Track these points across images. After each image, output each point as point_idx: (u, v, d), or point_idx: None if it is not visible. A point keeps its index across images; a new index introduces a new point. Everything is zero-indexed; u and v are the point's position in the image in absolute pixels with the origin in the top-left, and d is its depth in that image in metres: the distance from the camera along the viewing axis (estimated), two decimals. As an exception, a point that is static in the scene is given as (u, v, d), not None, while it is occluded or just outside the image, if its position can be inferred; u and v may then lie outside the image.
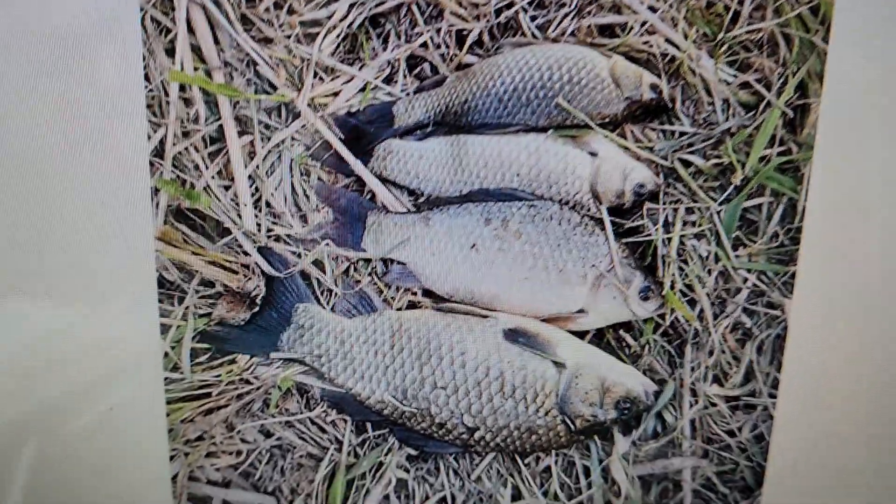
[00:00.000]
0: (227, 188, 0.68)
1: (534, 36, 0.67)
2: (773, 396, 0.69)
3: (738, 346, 0.70)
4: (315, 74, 0.67)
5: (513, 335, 0.67)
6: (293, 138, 0.68)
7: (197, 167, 0.67)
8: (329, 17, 0.66)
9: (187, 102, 0.66)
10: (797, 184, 0.66)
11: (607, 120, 0.67)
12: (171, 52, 0.65)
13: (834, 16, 0.63)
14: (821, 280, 0.68)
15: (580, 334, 0.70)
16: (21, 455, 0.68)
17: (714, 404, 0.70)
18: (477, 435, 0.67)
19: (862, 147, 0.65)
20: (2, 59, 0.60)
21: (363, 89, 0.68)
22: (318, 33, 0.66)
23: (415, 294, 0.70)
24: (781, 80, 0.66)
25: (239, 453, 0.71)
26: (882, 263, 0.66)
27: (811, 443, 0.71)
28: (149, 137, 0.65)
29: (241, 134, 0.67)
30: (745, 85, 0.67)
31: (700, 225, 0.68)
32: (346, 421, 0.71)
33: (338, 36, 0.66)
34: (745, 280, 0.69)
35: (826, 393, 0.70)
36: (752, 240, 0.68)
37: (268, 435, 0.71)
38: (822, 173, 0.66)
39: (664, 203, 0.68)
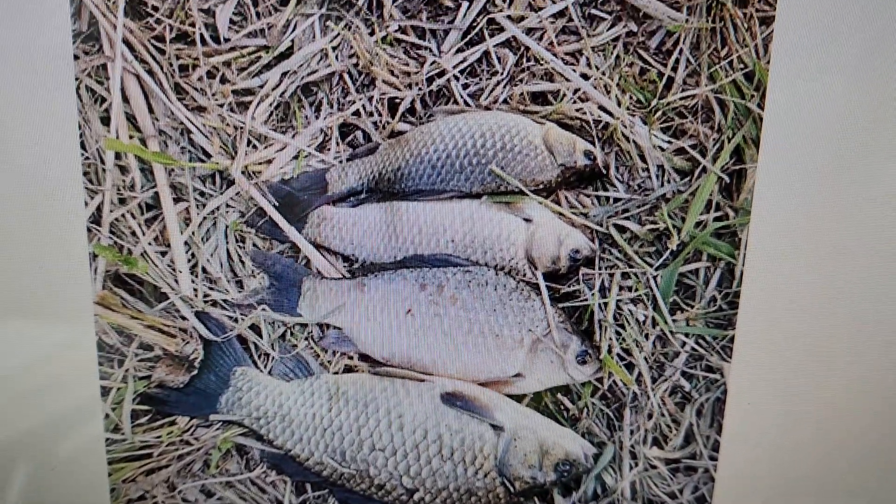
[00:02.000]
0: (163, 254, 0.72)
1: (466, 104, 0.70)
2: (713, 459, 0.72)
3: (678, 410, 0.73)
4: (248, 142, 0.71)
5: (450, 399, 0.71)
6: (228, 205, 0.72)
7: (134, 233, 0.71)
8: (261, 86, 0.70)
9: (123, 170, 0.70)
10: (734, 248, 0.69)
11: (541, 186, 0.70)
12: (106, 121, 0.69)
13: (769, 81, 0.66)
14: (760, 343, 0.71)
15: (518, 398, 0.73)
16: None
17: (654, 466, 0.74)
18: (416, 497, 0.71)
19: (799, 211, 0.68)
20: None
21: (296, 157, 0.72)
22: (251, 102, 0.70)
23: (351, 358, 0.74)
24: (717, 146, 0.69)
25: (179, 513, 0.75)
26: (820, 324, 0.70)
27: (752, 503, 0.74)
28: (86, 204, 0.69)
29: (176, 201, 0.71)
30: (680, 151, 0.70)
31: (636, 290, 0.72)
32: (285, 482, 0.75)
33: (270, 104, 0.70)
34: (684, 344, 0.72)
35: (767, 455, 0.73)
36: (689, 304, 0.72)
37: (209, 495, 0.75)
38: (759, 238, 0.69)
39: (600, 268, 0.72)
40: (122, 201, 0.69)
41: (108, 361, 0.71)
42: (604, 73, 0.67)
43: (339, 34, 0.68)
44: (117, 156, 0.69)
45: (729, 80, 0.66)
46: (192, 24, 0.67)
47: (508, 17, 0.67)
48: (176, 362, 0.72)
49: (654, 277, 0.70)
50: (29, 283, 0.67)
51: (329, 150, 0.70)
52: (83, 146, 0.67)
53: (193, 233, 0.70)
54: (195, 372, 0.72)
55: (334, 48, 0.68)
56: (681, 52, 0.66)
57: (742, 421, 0.71)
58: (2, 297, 0.67)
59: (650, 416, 0.71)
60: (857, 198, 0.66)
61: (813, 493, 0.72)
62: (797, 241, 0.67)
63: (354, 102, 0.69)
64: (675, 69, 0.67)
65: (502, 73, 0.68)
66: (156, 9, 0.66)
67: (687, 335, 0.70)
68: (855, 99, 0.65)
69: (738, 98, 0.66)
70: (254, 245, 0.72)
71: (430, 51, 0.68)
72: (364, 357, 0.73)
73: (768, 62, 0.64)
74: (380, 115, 0.69)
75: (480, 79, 0.69)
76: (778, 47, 0.64)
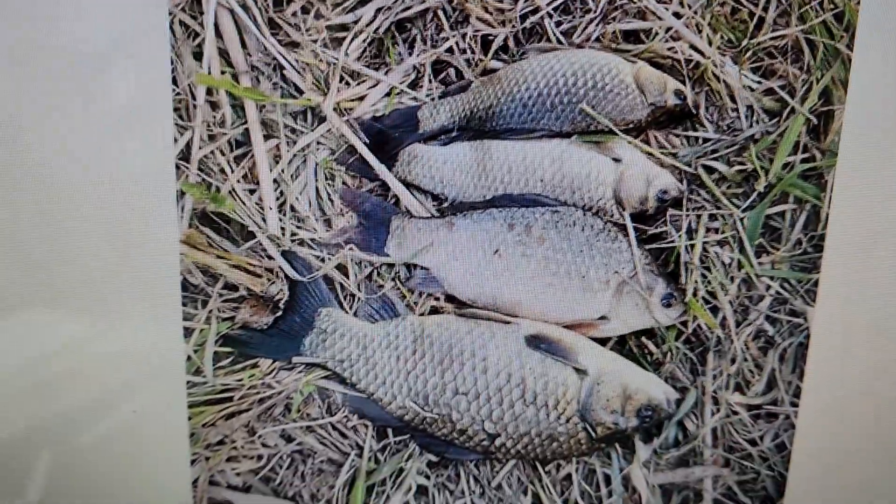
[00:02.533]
0: (252, 192, 0.73)
1: (559, 41, 0.72)
2: (795, 405, 0.73)
3: (761, 355, 0.74)
4: (341, 79, 0.72)
5: (534, 341, 0.72)
6: (318, 142, 0.73)
7: (223, 171, 0.72)
8: (355, 22, 0.71)
9: (214, 106, 0.71)
10: (821, 191, 0.71)
11: (631, 126, 0.71)
12: (198, 56, 0.70)
13: (858, 22, 0.68)
14: (844, 288, 0.72)
15: (602, 341, 0.73)
16: (43, 458, 0.73)
17: (736, 413, 0.74)
18: (498, 442, 0.72)
19: (887, 154, 0.69)
20: (24, 72, 0.65)
21: (388, 94, 0.72)
22: (344, 38, 0.71)
23: (437, 299, 0.75)
24: (805, 87, 0.70)
25: (259, 458, 0.76)
26: (906, 273, 0.71)
27: (833, 453, 0.75)
28: (175, 141, 0.70)
29: (266, 138, 0.72)
30: (769, 91, 0.71)
31: (723, 232, 0.73)
32: (367, 426, 0.75)
33: (364, 41, 0.71)
34: (768, 287, 0.73)
35: (848, 402, 0.74)
36: (775, 247, 0.73)
37: (289, 440, 0.76)
38: (846, 181, 0.71)
39: (687, 210, 0.73)
40: (212, 138, 0.70)
41: (192, 302, 0.71)
42: (696, 13, 0.69)
43: (435, -30, 0.69)
44: (208, 91, 0.69)
45: (819, 20, 0.68)
46: (289, -41, 0.68)
47: (604, -46, 0.69)
48: (261, 303, 0.72)
49: (741, 219, 0.71)
50: (116, 220, 0.67)
51: (421, 87, 0.72)
52: (175, 81, 0.68)
53: (283, 170, 0.71)
54: (279, 313, 0.73)
55: (429, -16, 0.69)
56: (772, -9, 0.68)
57: (825, 367, 0.72)
58: (88, 238, 0.68)
59: (733, 361, 0.72)
60: None
61: (894, 443, 0.73)
62: (884, 184, 0.69)
63: (448, 39, 0.70)
64: (765, 9, 0.68)
65: (595, 11, 0.69)
66: (252, -57, 0.68)
67: (772, 278, 0.72)
68: None
69: (828, 39, 0.68)
70: (343, 183, 0.73)
71: (525, -12, 0.70)
72: (451, 298, 0.73)
73: (858, 3, 0.66)
74: (473, 52, 0.71)
75: (573, 16, 0.70)
76: (869, -13, 0.66)
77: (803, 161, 0.70)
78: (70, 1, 0.64)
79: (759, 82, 0.70)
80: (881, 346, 0.71)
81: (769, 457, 0.73)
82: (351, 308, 0.73)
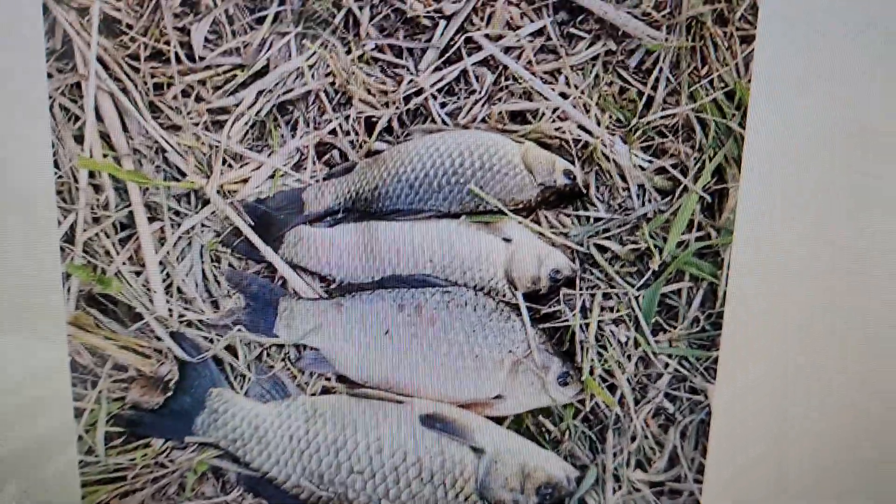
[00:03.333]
0: (138, 274, 0.74)
1: (444, 122, 0.73)
2: (698, 482, 0.75)
3: (661, 432, 0.75)
4: (224, 161, 0.73)
5: (430, 421, 0.73)
6: (203, 224, 0.74)
7: (108, 253, 0.73)
8: (237, 105, 0.72)
9: (97, 189, 0.73)
10: (717, 269, 0.72)
11: (521, 206, 0.72)
12: (80, 139, 0.72)
13: (750, 100, 0.68)
14: (743, 365, 0.73)
15: (499, 420, 0.75)
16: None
17: (638, 490, 0.75)
18: None
19: (782, 229, 0.70)
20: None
21: (272, 176, 0.74)
22: (226, 120, 0.72)
23: (328, 379, 0.76)
24: (698, 165, 0.71)
25: (154, 537, 0.78)
26: (806, 344, 0.72)
27: (739, 528, 0.76)
28: (59, 223, 0.72)
29: (151, 220, 0.73)
30: (660, 170, 0.72)
31: (618, 310, 0.74)
32: (262, 505, 0.77)
33: (246, 123, 0.72)
34: (667, 365, 0.74)
35: (753, 478, 0.75)
36: (672, 325, 0.74)
37: (184, 518, 0.78)
38: (742, 258, 0.72)
39: (581, 289, 0.74)
40: (96, 220, 0.71)
41: (82, 382, 0.73)
42: (583, 92, 0.69)
43: (315, 52, 0.70)
44: (91, 174, 0.71)
45: (710, 98, 0.68)
46: (167, 43, 0.69)
47: (486, 35, 0.70)
48: (150, 383, 0.74)
49: (636, 298, 0.72)
50: (2, 302, 0.69)
51: (305, 169, 0.73)
52: (56, 165, 0.69)
53: (168, 252, 0.72)
54: (170, 393, 0.74)
55: (310, 66, 0.70)
56: (661, 70, 0.69)
57: (727, 443, 0.73)
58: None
59: (633, 439, 0.73)
60: (840, 216, 0.68)
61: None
62: (780, 261, 0.69)
63: (331, 121, 0.71)
64: (654, 88, 0.69)
65: (480, 92, 0.70)
66: (130, 27, 0.69)
67: (670, 356, 0.72)
68: (836, 116, 0.67)
69: (719, 117, 0.68)
70: (229, 265, 0.74)
71: (408, 69, 0.71)
72: (342, 378, 0.75)
73: (749, 81, 0.67)
74: (357, 133, 0.72)
75: (458, 97, 0.71)
76: (759, 66, 0.66)
77: (698, 239, 0.71)
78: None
79: (650, 161, 0.70)
80: (784, 420, 0.72)
81: None
82: (241, 388, 0.75)
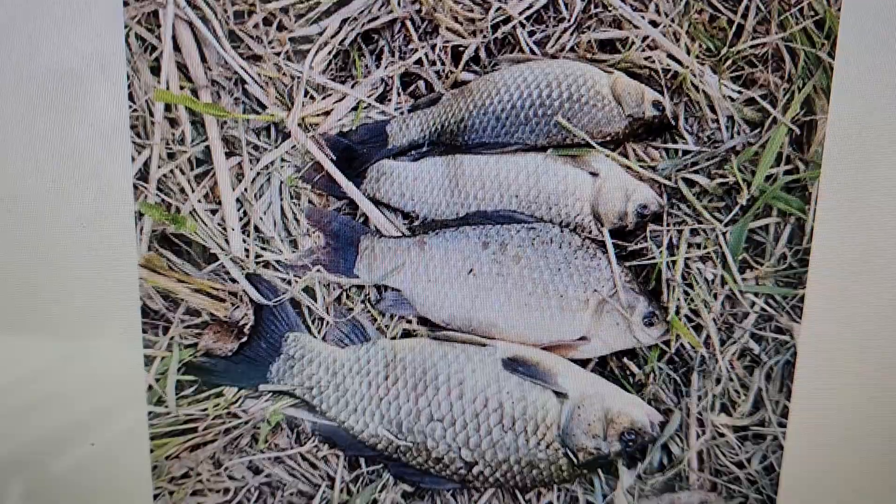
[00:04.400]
0: (213, 212, 0.74)
1: (532, 52, 0.74)
2: (782, 426, 0.75)
3: (747, 374, 0.76)
4: (306, 93, 0.73)
5: (512, 364, 0.73)
6: (283, 160, 0.75)
7: (183, 190, 0.74)
8: (320, 34, 0.72)
9: (173, 123, 0.73)
10: (805, 203, 0.73)
11: (609, 138, 0.73)
12: (156, 71, 0.72)
13: (839, 29, 0.71)
14: (830, 304, 0.74)
15: (582, 363, 0.75)
16: (6, 494, 0.74)
17: (722, 434, 0.76)
18: (475, 470, 0.73)
19: (871, 164, 0.72)
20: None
21: (355, 108, 0.74)
22: (308, 50, 0.73)
23: (410, 322, 0.76)
24: (787, 96, 0.73)
25: (226, 491, 0.77)
26: (892, 285, 0.74)
27: (823, 473, 0.77)
28: (133, 159, 0.72)
29: (228, 155, 0.74)
30: (750, 101, 0.74)
31: (705, 247, 0.75)
32: (338, 456, 0.76)
33: (329, 53, 0.73)
34: (753, 304, 0.75)
35: (838, 421, 0.76)
36: (759, 262, 0.75)
37: (256, 471, 0.77)
38: (831, 192, 0.74)
39: (668, 225, 0.76)
40: (171, 156, 0.72)
41: (153, 328, 0.73)
42: (673, 21, 0.71)
43: (402, -21, 0.71)
44: (167, 108, 0.71)
45: (799, 27, 0.70)
46: (249, -31, 0.70)
47: (576, -38, 0.72)
48: (224, 328, 0.74)
49: (724, 234, 0.73)
50: (72, 243, 0.69)
51: (390, 101, 0.73)
52: (131, 97, 0.70)
53: (246, 189, 0.73)
54: (244, 339, 0.74)
55: (396, -7, 0.71)
56: (751, -2, 0.71)
57: (813, 386, 0.74)
58: (48, 264, 0.69)
59: (718, 381, 0.74)
60: None
61: (886, 463, 0.75)
62: (869, 195, 0.71)
63: (417, 51, 0.72)
64: (745, 16, 0.71)
65: (569, 20, 0.72)
66: (210, -47, 0.70)
67: (756, 294, 0.74)
68: None
69: (809, 47, 0.70)
70: (309, 202, 0.75)
71: (496, -3, 0.72)
72: (423, 321, 0.75)
73: (839, 9, 0.69)
74: (443, 63, 0.73)
75: (547, 26, 0.72)
76: (849, -6, 0.68)
77: (786, 173, 0.72)
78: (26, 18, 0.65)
79: (739, 92, 0.72)
80: (870, 362, 0.73)
81: (757, 480, 0.75)
82: (319, 332, 0.75)
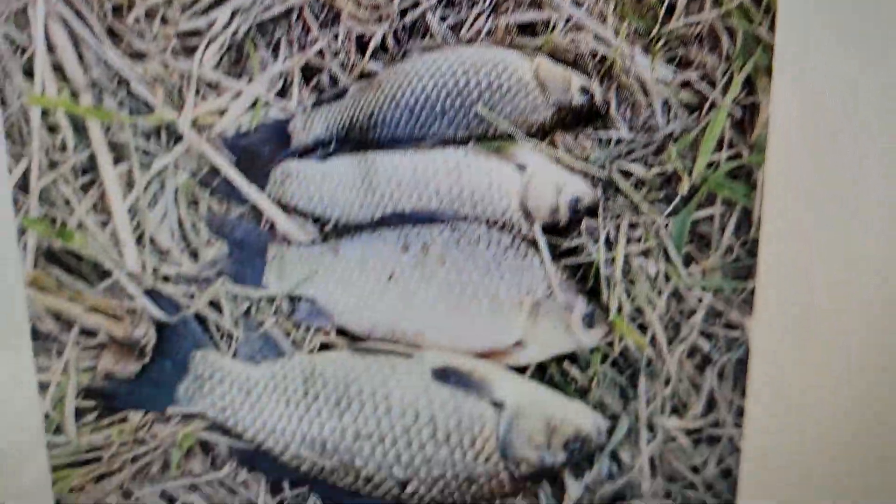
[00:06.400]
0: (104, 224, 0.74)
1: (445, 38, 0.74)
2: (738, 426, 0.76)
3: (697, 373, 0.77)
4: (197, 91, 0.73)
5: (443, 374, 0.73)
6: (177, 164, 0.75)
7: (68, 202, 0.74)
8: (209, 27, 0.72)
9: (52, 129, 0.73)
10: (750, 190, 0.74)
11: (535, 128, 0.74)
12: (29, 73, 0.72)
13: (778, 4, 0.71)
14: (782, 295, 0.76)
15: (520, 369, 0.76)
16: None
17: (674, 439, 0.77)
18: (410, 488, 0.73)
19: (818, 146, 0.73)
20: None
21: (254, 105, 0.74)
22: (198, 45, 0.73)
23: (327, 334, 0.76)
24: (726, 78, 0.74)
25: (138, 523, 0.78)
26: (846, 271, 0.75)
27: (783, 475, 0.79)
28: (10, 171, 0.72)
29: (116, 162, 0.73)
30: (685, 84, 0.74)
31: (646, 241, 0.75)
32: (258, 480, 0.78)
33: (221, 47, 0.73)
34: (700, 300, 0.76)
35: (797, 420, 0.78)
36: (705, 255, 0.76)
37: (171, 500, 0.77)
38: (777, 177, 0.74)
39: (604, 218, 0.76)
40: (53, 165, 0.71)
41: (45, 352, 0.73)
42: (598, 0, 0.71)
43: (296, -38, 0.71)
44: (44, 113, 0.71)
45: (736, 3, 0.70)
46: (125, -44, 0.69)
47: (490, -64, 0.71)
48: (124, 349, 0.74)
49: (665, 226, 0.74)
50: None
51: (291, 96, 0.73)
52: (3, 103, 0.69)
53: (138, 198, 0.72)
54: (147, 359, 0.74)
55: (291, -22, 0.71)
56: (682, -28, 0.71)
57: (767, 383, 0.76)
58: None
59: (667, 383, 0.75)
60: (877, 128, 0.71)
61: (848, 460, 0.77)
62: (818, 179, 0.72)
63: (317, 41, 0.72)
64: (676, -8, 0.71)
65: (485, 2, 0.71)
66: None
67: (703, 289, 0.74)
68: (870, 22, 0.69)
69: (747, 24, 0.70)
70: (209, 209, 0.75)
71: (402, -22, 0.72)
72: (342, 331, 0.75)
73: (777, -18, 0.69)
74: (347, 54, 0.72)
75: (460, 9, 0.72)
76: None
77: (729, 158, 0.72)
78: None
79: (674, 74, 0.72)
80: (826, 355, 0.74)
81: (714, 484, 0.76)
82: (229, 349, 0.76)
